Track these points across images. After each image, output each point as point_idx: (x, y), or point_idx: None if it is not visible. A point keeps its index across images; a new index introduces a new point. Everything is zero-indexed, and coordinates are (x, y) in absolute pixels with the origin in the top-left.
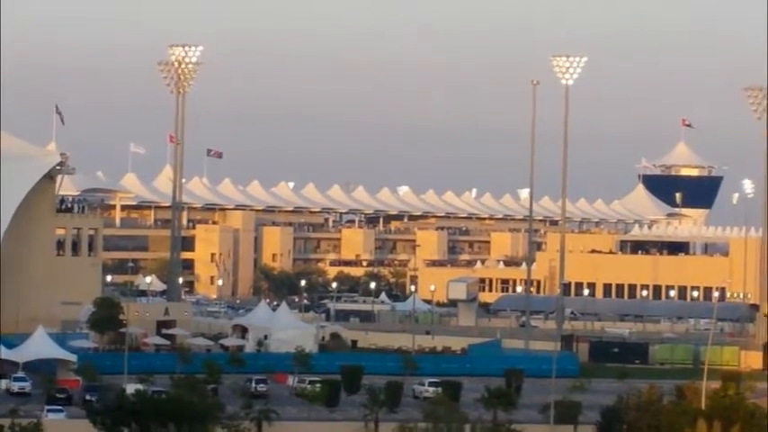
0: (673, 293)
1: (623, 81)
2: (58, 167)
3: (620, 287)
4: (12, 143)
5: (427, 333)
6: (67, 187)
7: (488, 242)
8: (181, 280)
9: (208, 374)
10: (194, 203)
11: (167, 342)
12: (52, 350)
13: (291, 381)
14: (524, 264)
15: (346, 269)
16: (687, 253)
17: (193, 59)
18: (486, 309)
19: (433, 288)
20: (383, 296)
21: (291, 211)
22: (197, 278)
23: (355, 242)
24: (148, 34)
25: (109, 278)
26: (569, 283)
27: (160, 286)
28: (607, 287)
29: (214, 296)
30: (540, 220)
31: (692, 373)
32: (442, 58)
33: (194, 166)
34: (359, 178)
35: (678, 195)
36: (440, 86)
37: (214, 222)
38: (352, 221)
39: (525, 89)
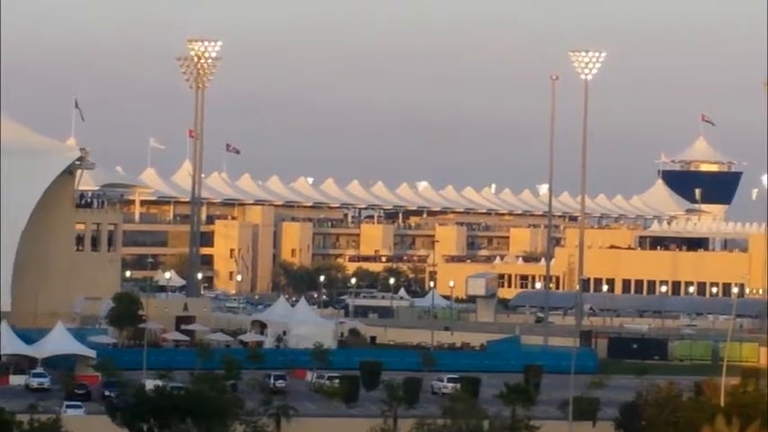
0: (692, 289)
1: (643, 76)
2: (77, 162)
3: (639, 283)
4: (31, 138)
5: (446, 329)
6: (87, 182)
7: (507, 238)
8: (200, 275)
9: (227, 370)
10: (213, 199)
11: (186, 338)
12: (71, 346)
13: (310, 377)
14: (543, 259)
15: (365, 265)
16: (706, 249)
17: (213, 54)
18: (504, 305)
19: (451, 284)
20: (402, 292)
21: (311, 207)
22: (216, 274)
23: (374, 237)
24: (168, 29)
25: (128, 274)
26: (588, 279)
27: (179, 282)
28: (626, 283)
29: (233, 292)
30: (560, 216)
31: (711, 369)
32: (462, 53)
33: (213, 161)
34: (378, 173)
35: (697, 191)
36: (459, 82)
37: (233, 218)
38: (371, 217)
39: (544, 84)
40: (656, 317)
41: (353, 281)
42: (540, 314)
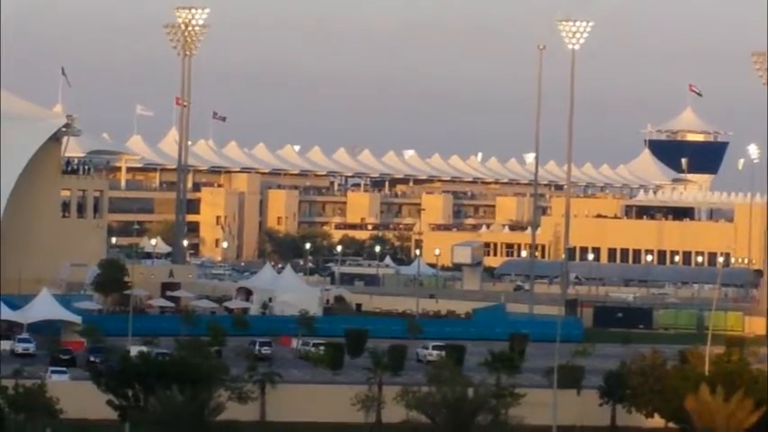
0: (677, 259)
1: (630, 46)
2: (63, 129)
3: (624, 252)
4: (18, 105)
5: (431, 297)
6: (73, 149)
7: (493, 206)
8: (186, 242)
9: (212, 337)
10: (200, 166)
11: (172, 304)
12: (57, 311)
13: (296, 343)
14: (529, 228)
15: (351, 232)
16: (692, 218)
17: (200, 22)
18: (490, 273)
19: (437, 252)
20: (388, 260)
21: (297, 175)
22: (202, 241)
23: (361, 205)
24: None
25: (114, 240)
26: (574, 248)
27: (165, 248)
28: (612, 252)
29: (219, 259)
30: (546, 185)
31: (696, 338)
32: (448, 22)
33: (200, 129)
34: (364, 141)
35: (684, 161)
36: (445, 50)
37: (219, 185)
38: (358, 185)
39: (531, 54)
40: (642, 286)
41: (339, 248)
42: (519, 282)
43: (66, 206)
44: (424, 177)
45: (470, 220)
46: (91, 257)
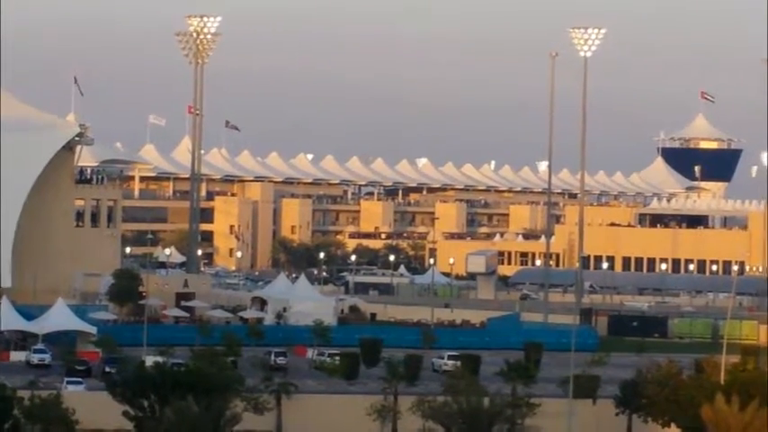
0: (692, 267)
1: (642, 53)
2: (77, 138)
3: (639, 260)
4: (31, 114)
5: (446, 306)
6: (86, 158)
7: (507, 215)
8: (200, 252)
9: (227, 347)
10: (213, 175)
11: (186, 314)
12: (72, 322)
13: (310, 353)
14: (543, 237)
15: (365, 241)
16: (706, 226)
17: (212, 30)
18: (505, 282)
19: (451, 261)
20: (402, 269)
21: (310, 183)
22: (216, 250)
23: (374, 214)
24: (167, 5)
25: (128, 250)
26: (588, 257)
27: (179, 258)
28: (626, 260)
29: (233, 268)
30: (559, 193)
31: (711, 347)
32: (461, 30)
33: (213, 138)
34: (378, 150)
35: (697, 168)
36: (458, 59)
37: (233, 194)
38: (371, 193)
39: (544, 61)
40: (657, 294)
41: (353, 258)
42: (526, 291)
43: (79, 216)
44: (438, 186)
45: (484, 229)
46: (105, 267)
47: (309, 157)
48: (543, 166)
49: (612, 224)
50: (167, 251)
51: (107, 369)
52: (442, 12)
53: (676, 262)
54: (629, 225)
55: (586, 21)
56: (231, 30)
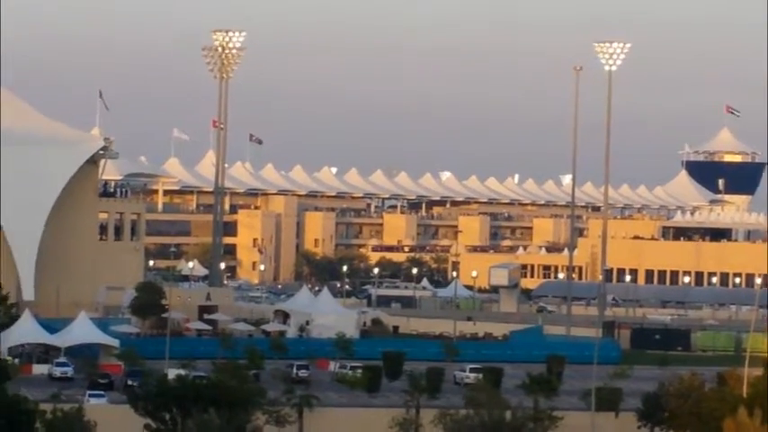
0: (715, 280)
1: (667, 67)
2: (101, 152)
3: (662, 273)
4: (56, 128)
5: (469, 319)
6: (110, 172)
7: (530, 228)
8: (223, 265)
9: (249, 360)
10: (237, 188)
11: (209, 327)
12: (94, 335)
13: (333, 366)
14: (566, 250)
15: (388, 255)
16: (729, 239)
17: (237, 45)
18: (527, 295)
19: (474, 274)
20: (425, 282)
21: (334, 197)
22: (239, 263)
23: (397, 227)
24: (193, 20)
25: (151, 263)
26: (611, 270)
27: (202, 271)
28: (649, 273)
29: (256, 281)
30: (583, 206)
31: (734, 359)
32: (486, 43)
33: (237, 151)
34: (401, 163)
35: (721, 182)
36: (483, 72)
37: (256, 207)
38: (395, 207)
39: (568, 75)
40: (679, 307)
41: (376, 271)
42: (542, 304)
43: (103, 229)
44: (461, 199)
45: (507, 242)
46: (128, 280)
47: (333, 170)
48: (567, 179)
49: (636, 237)
50: (190, 264)
51: (129, 382)
52: (467, 25)
53: (699, 275)
54: (652, 238)
55: (611, 35)
56: (256, 44)
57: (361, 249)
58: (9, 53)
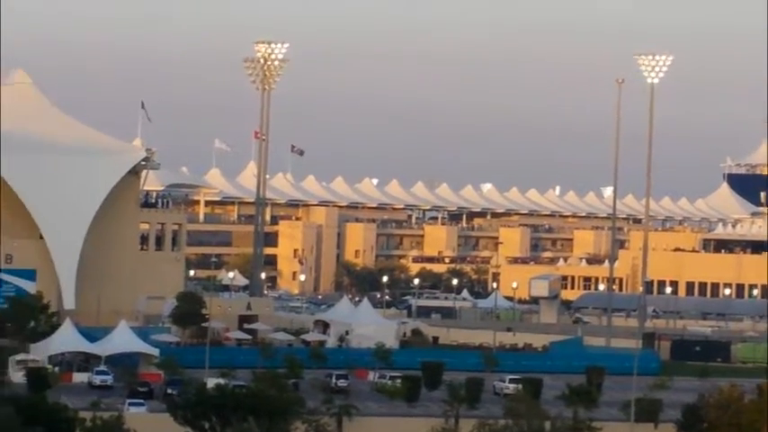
0: (756, 292)
1: (709, 80)
2: (143, 163)
3: (702, 285)
4: (98, 139)
5: (508, 330)
6: (152, 182)
7: (571, 240)
8: (263, 275)
9: (289, 369)
10: (278, 199)
11: (249, 337)
12: (134, 344)
13: (372, 376)
14: (607, 261)
15: (428, 266)
16: None
17: (279, 56)
18: (567, 306)
19: (515, 285)
20: (465, 293)
21: (375, 208)
22: (279, 273)
23: (438, 239)
24: (235, 31)
25: (192, 273)
26: (652, 281)
27: (243, 281)
28: (690, 285)
29: (296, 291)
30: (624, 218)
31: None
32: (528, 55)
33: (278, 163)
34: (442, 175)
35: (762, 194)
36: (524, 84)
37: (297, 218)
38: (435, 218)
39: (610, 87)
40: (720, 319)
41: (416, 281)
42: (578, 315)
43: (144, 239)
44: (502, 211)
45: (548, 254)
46: (168, 290)
47: (374, 181)
48: (608, 191)
49: (677, 249)
50: (231, 274)
51: (169, 391)
52: (508, 37)
53: (740, 287)
54: (693, 250)
55: (653, 47)
56: (298, 55)
57: (401, 260)
58: (52, 64)
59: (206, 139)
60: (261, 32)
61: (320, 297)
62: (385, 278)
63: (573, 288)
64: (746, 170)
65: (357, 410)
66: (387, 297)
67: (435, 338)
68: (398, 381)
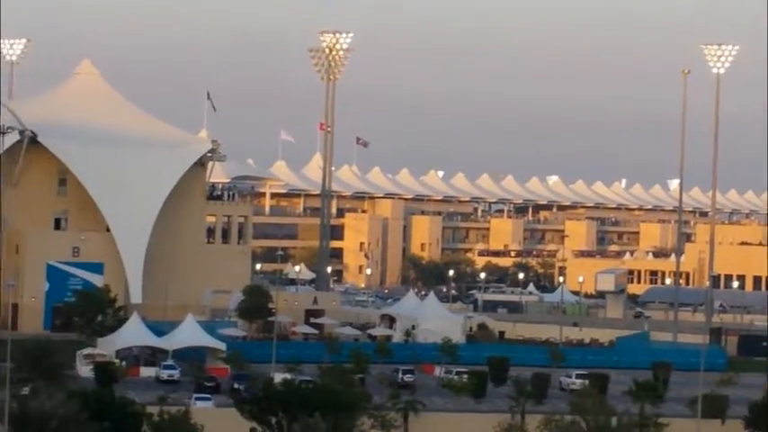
0: None
1: None
2: (209, 154)
3: None
4: (164, 130)
5: (575, 325)
6: (218, 174)
7: (637, 233)
8: (329, 269)
9: (355, 364)
10: (344, 192)
11: (315, 331)
12: (201, 338)
13: (438, 371)
14: (673, 255)
15: (494, 259)
16: None
17: (344, 46)
18: (634, 300)
19: (581, 279)
20: (531, 287)
21: (440, 200)
22: (345, 267)
23: (504, 232)
24: (299, 21)
25: (258, 266)
26: (718, 276)
27: (309, 275)
28: (757, 279)
29: (362, 285)
30: (690, 212)
31: None
32: (592, 46)
33: (344, 155)
34: (508, 167)
35: None
36: (590, 75)
37: (363, 211)
38: (501, 211)
39: (676, 78)
40: None
41: (482, 275)
42: (639, 309)
43: (210, 232)
44: (568, 204)
45: (614, 247)
46: (235, 284)
47: (440, 174)
48: (674, 183)
49: (743, 243)
50: (297, 268)
51: (236, 385)
52: (572, 29)
53: None
54: (760, 244)
55: (719, 38)
56: (363, 45)
57: (467, 254)
58: (120, 56)
59: (271, 130)
60: (326, 22)
61: (386, 291)
62: (451, 272)
63: (639, 282)
64: None
65: (423, 406)
66: (453, 291)
67: (501, 333)
68: (464, 376)
